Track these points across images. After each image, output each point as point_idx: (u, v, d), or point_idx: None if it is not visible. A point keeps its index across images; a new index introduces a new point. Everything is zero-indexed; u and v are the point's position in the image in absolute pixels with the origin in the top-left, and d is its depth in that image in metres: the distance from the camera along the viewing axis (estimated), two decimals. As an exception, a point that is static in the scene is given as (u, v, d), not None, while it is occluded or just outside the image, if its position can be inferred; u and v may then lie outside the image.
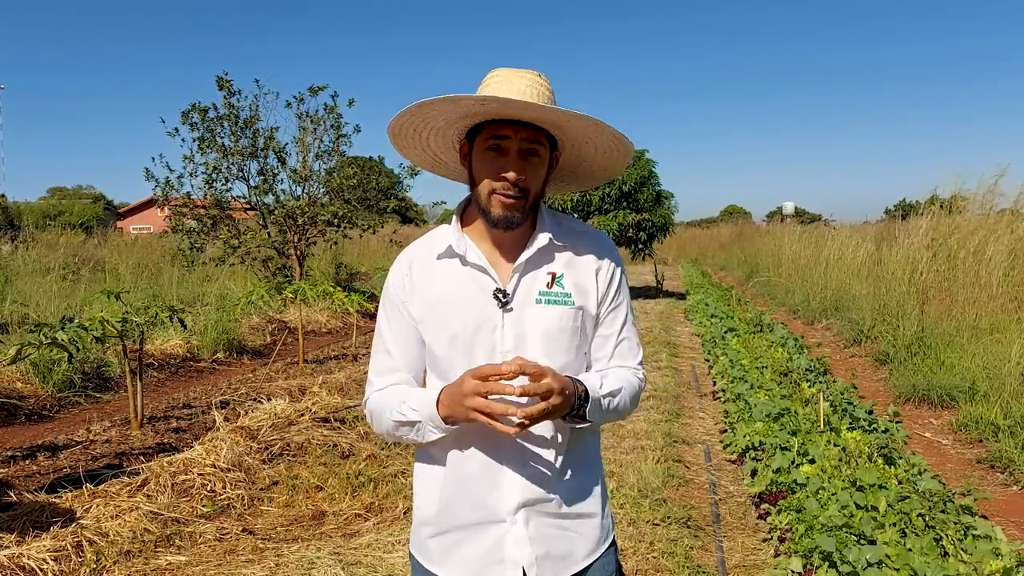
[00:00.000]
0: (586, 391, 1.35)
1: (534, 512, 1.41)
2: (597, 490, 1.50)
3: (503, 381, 1.26)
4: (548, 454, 1.41)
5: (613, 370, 1.47)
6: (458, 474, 1.42)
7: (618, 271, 1.51)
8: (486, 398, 1.26)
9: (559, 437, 1.42)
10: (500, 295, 1.40)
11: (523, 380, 1.27)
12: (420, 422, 1.37)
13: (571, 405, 1.32)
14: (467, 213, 1.50)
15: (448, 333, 1.41)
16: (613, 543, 1.54)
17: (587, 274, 1.47)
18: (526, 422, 1.25)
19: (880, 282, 9.51)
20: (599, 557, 1.48)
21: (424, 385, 1.50)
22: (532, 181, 1.39)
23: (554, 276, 1.43)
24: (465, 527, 1.42)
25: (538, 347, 1.40)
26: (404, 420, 1.39)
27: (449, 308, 1.42)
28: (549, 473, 1.41)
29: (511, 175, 1.36)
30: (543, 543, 1.41)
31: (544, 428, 1.41)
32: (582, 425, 1.40)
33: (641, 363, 1.54)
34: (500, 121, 1.37)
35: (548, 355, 1.39)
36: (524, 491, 1.40)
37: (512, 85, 1.38)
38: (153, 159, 12.34)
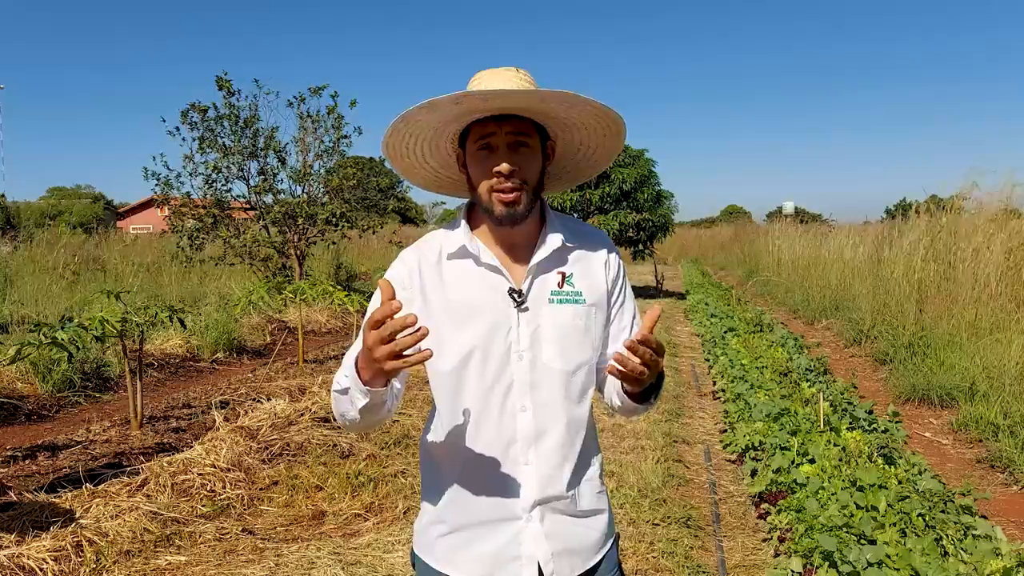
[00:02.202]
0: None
1: (549, 509, 1.42)
2: (603, 486, 1.52)
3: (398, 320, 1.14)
4: (563, 451, 1.43)
5: None
6: (474, 472, 1.42)
7: (621, 265, 1.54)
8: (390, 342, 1.14)
9: (574, 434, 1.44)
10: (515, 295, 1.41)
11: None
12: (350, 388, 1.29)
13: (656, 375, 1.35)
14: (472, 215, 1.49)
15: (463, 333, 1.40)
16: (616, 537, 1.56)
17: (597, 272, 1.48)
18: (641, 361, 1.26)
19: (880, 282, 9.51)
20: (607, 552, 1.51)
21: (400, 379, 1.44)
22: (528, 171, 1.39)
23: (564, 276, 1.45)
24: (480, 524, 1.42)
25: (554, 346, 1.41)
26: (339, 388, 1.33)
27: (464, 308, 1.41)
28: (564, 470, 1.42)
29: (504, 167, 1.36)
30: (559, 539, 1.42)
31: (560, 424, 1.42)
32: (644, 406, 1.43)
33: None
34: (484, 120, 1.38)
35: (563, 353, 1.41)
36: (540, 489, 1.41)
37: (492, 83, 1.40)
38: (154, 158, 12.36)
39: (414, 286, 1.44)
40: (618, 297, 1.52)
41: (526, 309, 1.41)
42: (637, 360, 1.25)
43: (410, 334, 1.13)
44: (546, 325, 1.41)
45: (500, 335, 1.39)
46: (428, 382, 1.49)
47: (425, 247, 1.48)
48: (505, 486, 1.40)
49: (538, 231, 1.46)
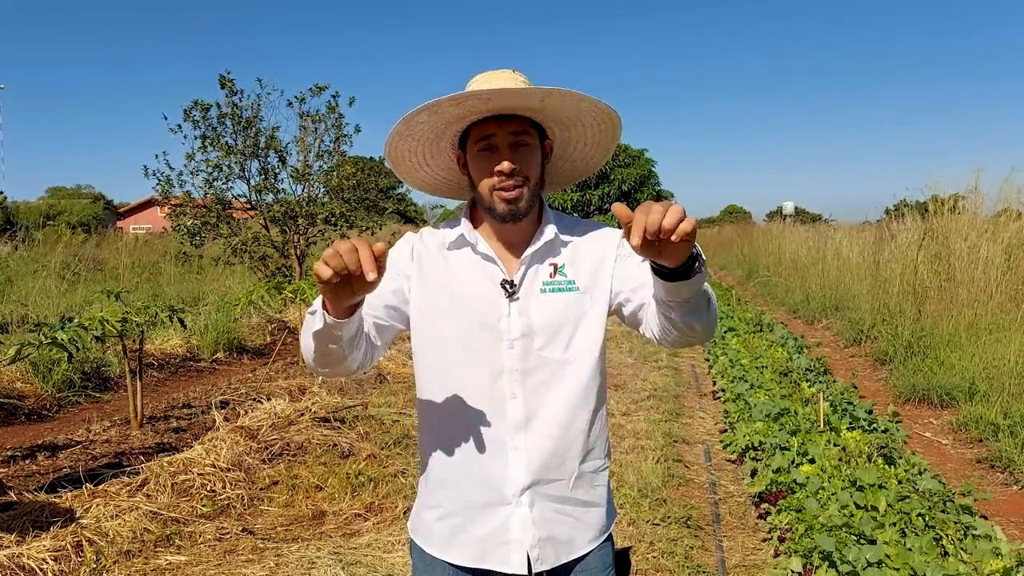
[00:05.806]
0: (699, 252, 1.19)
1: (539, 495, 1.44)
2: (602, 481, 1.53)
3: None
4: (555, 439, 1.44)
5: None
6: (464, 457, 1.45)
7: (620, 235, 1.48)
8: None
9: (568, 421, 1.45)
10: (507, 285, 1.44)
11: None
12: (316, 310, 1.28)
13: (692, 248, 1.15)
14: (474, 213, 1.53)
15: (456, 320, 1.44)
16: (610, 536, 1.56)
17: (588, 258, 1.49)
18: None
19: (879, 282, 9.51)
20: (598, 547, 1.51)
21: (380, 342, 1.47)
22: (529, 169, 1.43)
23: (556, 266, 1.48)
24: (472, 509, 1.45)
25: (546, 335, 1.44)
26: (311, 311, 1.31)
27: (457, 296, 1.45)
28: (557, 456, 1.44)
29: (505, 166, 1.39)
30: (546, 526, 1.45)
31: (552, 412, 1.43)
32: (690, 292, 1.20)
33: None
34: (484, 121, 1.41)
35: (558, 342, 1.43)
36: (531, 472, 1.43)
37: (491, 84, 1.43)
38: (156, 156, 12.32)
39: (412, 266, 1.48)
40: (623, 253, 1.46)
41: (517, 299, 1.44)
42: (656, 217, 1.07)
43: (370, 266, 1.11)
44: (538, 315, 1.44)
45: (491, 323, 1.43)
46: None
47: (426, 235, 1.53)
48: (495, 471, 1.43)
49: (536, 226, 1.49)
